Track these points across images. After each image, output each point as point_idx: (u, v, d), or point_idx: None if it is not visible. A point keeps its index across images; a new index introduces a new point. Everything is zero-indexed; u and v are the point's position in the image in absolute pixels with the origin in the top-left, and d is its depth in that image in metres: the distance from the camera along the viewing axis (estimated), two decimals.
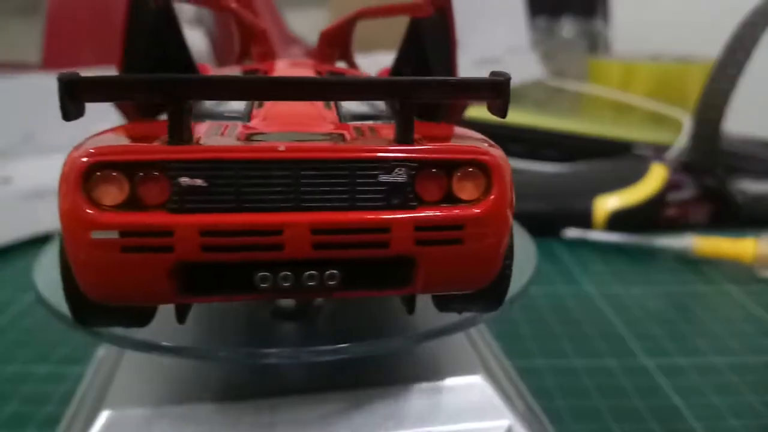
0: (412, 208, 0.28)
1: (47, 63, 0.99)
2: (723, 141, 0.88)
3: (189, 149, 0.27)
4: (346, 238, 0.28)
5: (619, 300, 0.67)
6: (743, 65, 0.83)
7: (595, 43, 1.67)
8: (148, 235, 0.27)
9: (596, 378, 0.53)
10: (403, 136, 0.29)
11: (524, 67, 1.24)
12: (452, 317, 0.34)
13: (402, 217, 0.28)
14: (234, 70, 0.45)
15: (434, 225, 0.28)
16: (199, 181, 0.27)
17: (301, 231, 0.27)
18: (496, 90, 0.28)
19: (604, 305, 0.66)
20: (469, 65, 1.16)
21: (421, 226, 0.28)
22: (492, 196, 0.28)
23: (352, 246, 0.28)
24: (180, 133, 0.28)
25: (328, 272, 0.28)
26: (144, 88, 0.27)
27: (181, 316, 0.33)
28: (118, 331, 0.34)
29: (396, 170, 0.28)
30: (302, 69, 0.44)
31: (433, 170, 0.28)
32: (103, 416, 0.34)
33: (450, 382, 0.35)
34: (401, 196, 0.28)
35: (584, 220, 0.83)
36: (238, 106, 0.36)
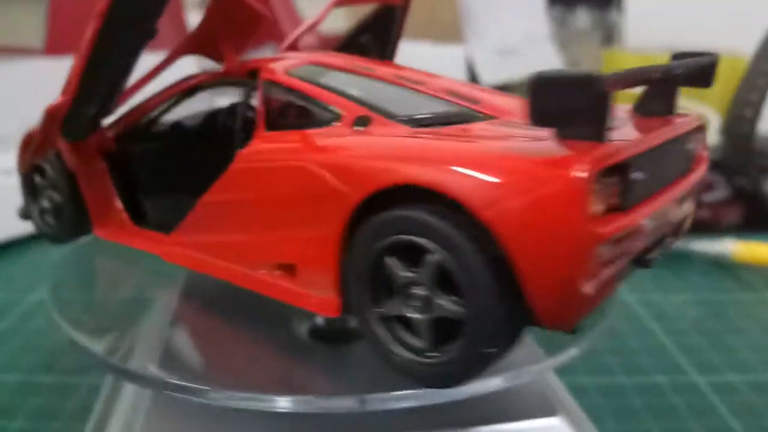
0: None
1: (50, 48, 0.95)
2: (757, 140, 0.85)
3: (636, 143, 0.27)
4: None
5: (660, 308, 0.63)
6: None
7: (610, 34, 1.63)
8: (627, 237, 0.26)
9: (646, 397, 0.49)
10: (673, 112, 0.33)
11: (542, 57, 1.20)
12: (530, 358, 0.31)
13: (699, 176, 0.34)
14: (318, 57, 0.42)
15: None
16: (640, 174, 0.27)
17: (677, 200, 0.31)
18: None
19: (644, 313, 0.62)
20: (487, 55, 1.13)
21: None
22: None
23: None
24: (605, 129, 0.25)
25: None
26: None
27: None
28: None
29: (692, 139, 0.34)
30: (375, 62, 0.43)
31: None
32: None
33: (527, 425, 0.32)
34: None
35: None
36: (434, 107, 0.34)
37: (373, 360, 0.33)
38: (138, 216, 0.46)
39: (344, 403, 0.31)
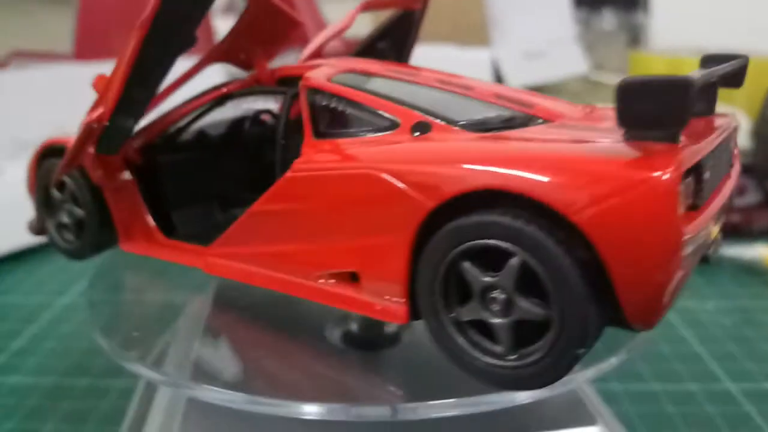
0: None
1: (79, 54, 0.96)
2: None
3: (705, 144, 0.28)
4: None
5: (692, 315, 0.62)
6: None
7: (636, 36, 1.62)
8: (701, 235, 0.27)
9: (679, 405, 0.48)
10: (713, 112, 0.34)
11: (569, 60, 1.19)
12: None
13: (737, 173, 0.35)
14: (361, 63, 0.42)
15: None
16: (708, 174, 0.28)
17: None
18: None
19: (676, 320, 0.61)
20: (514, 57, 1.12)
21: None
22: None
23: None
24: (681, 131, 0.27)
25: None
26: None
27: None
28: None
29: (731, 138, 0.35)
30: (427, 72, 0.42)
31: None
32: None
33: None
34: None
35: None
36: (490, 112, 0.34)
37: (406, 367, 0.33)
38: (167, 228, 0.45)
39: (377, 412, 0.31)
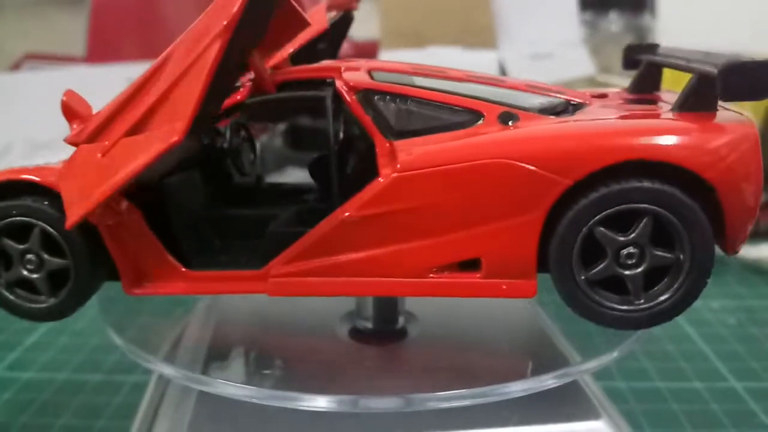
0: None
1: (91, 56, 0.97)
2: None
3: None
4: None
5: (697, 314, 0.63)
6: None
7: (643, 38, 1.62)
8: None
9: (684, 403, 0.49)
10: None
11: (576, 62, 1.20)
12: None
13: None
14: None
15: None
16: None
17: None
18: None
19: (681, 319, 0.62)
20: (520, 59, 1.13)
21: None
22: None
23: None
24: None
25: None
26: None
27: None
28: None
29: None
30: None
31: None
32: None
33: (571, 427, 0.32)
34: None
35: None
36: (543, 100, 0.37)
37: (413, 360, 0.34)
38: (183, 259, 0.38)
39: (389, 403, 0.32)
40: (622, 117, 0.33)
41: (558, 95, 0.38)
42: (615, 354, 0.35)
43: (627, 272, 0.32)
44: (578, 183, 0.31)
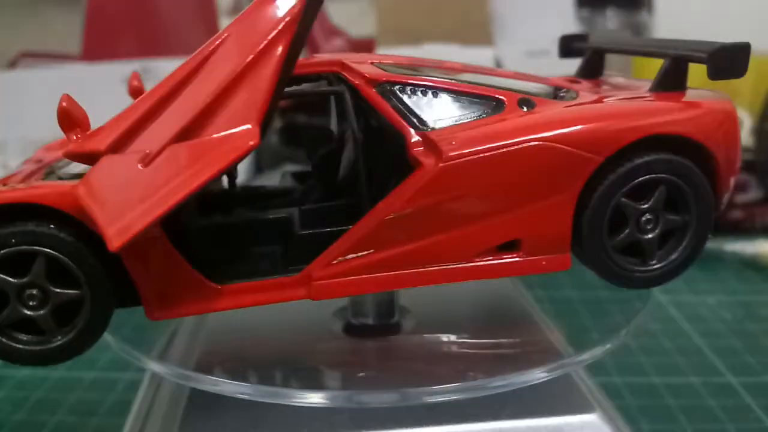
0: None
1: (87, 54, 0.97)
2: None
3: None
4: None
5: (693, 309, 0.63)
6: None
7: (640, 35, 1.61)
8: None
9: (680, 398, 0.49)
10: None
11: (572, 59, 1.20)
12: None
13: None
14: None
15: None
16: None
17: None
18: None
19: (677, 315, 0.62)
20: (517, 56, 1.13)
21: None
22: None
23: None
24: None
25: None
26: None
27: None
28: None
29: None
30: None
31: None
32: None
33: (564, 420, 0.32)
34: None
35: None
36: (541, 87, 0.39)
37: (410, 355, 0.34)
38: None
39: (384, 398, 0.31)
40: (625, 99, 0.36)
41: (545, 82, 0.39)
42: (608, 346, 0.35)
43: (647, 236, 0.35)
44: (608, 159, 0.33)
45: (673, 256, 0.35)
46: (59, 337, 0.32)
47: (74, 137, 0.32)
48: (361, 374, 0.36)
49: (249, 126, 0.30)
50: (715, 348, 0.56)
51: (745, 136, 0.94)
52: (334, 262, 0.34)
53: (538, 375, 0.33)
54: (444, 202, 0.33)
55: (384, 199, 0.33)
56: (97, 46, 0.96)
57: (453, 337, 0.39)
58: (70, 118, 0.33)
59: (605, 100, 0.36)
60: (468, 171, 0.33)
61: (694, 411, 0.47)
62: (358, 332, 0.39)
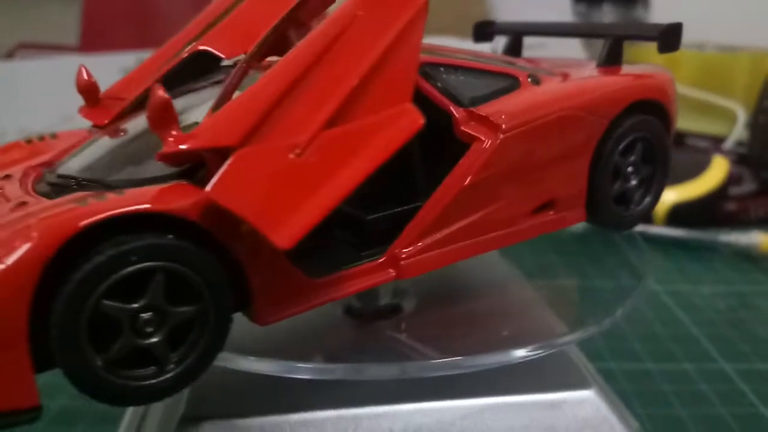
0: None
1: (84, 46, 0.97)
2: None
3: None
4: None
5: (688, 299, 0.64)
6: None
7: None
8: None
9: (674, 383, 0.50)
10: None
11: (568, 53, 1.20)
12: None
13: None
14: None
15: None
16: None
17: None
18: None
19: (672, 304, 0.63)
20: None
21: None
22: None
23: None
24: None
25: None
26: None
27: None
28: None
29: None
30: None
31: None
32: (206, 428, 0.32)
33: (561, 395, 0.33)
34: None
35: None
36: (525, 67, 0.41)
37: (410, 333, 0.34)
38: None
39: (386, 371, 0.32)
40: (603, 73, 0.41)
41: (522, 62, 0.42)
42: (604, 324, 0.36)
43: (629, 185, 0.41)
44: (612, 122, 0.38)
45: (648, 199, 0.42)
46: (172, 365, 0.27)
47: (172, 134, 0.27)
48: (362, 350, 0.37)
49: (406, 105, 0.30)
50: (709, 336, 0.57)
51: (740, 130, 0.95)
52: (416, 240, 0.34)
53: (534, 351, 0.34)
54: (501, 172, 0.35)
55: (449, 175, 0.35)
56: (95, 38, 0.96)
57: (451, 316, 0.41)
58: (169, 114, 0.27)
59: (570, 75, 0.40)
60: (523, 140, 0.36)
61: (688, 396, 0.48)
62: (359, 315, 0.40)
